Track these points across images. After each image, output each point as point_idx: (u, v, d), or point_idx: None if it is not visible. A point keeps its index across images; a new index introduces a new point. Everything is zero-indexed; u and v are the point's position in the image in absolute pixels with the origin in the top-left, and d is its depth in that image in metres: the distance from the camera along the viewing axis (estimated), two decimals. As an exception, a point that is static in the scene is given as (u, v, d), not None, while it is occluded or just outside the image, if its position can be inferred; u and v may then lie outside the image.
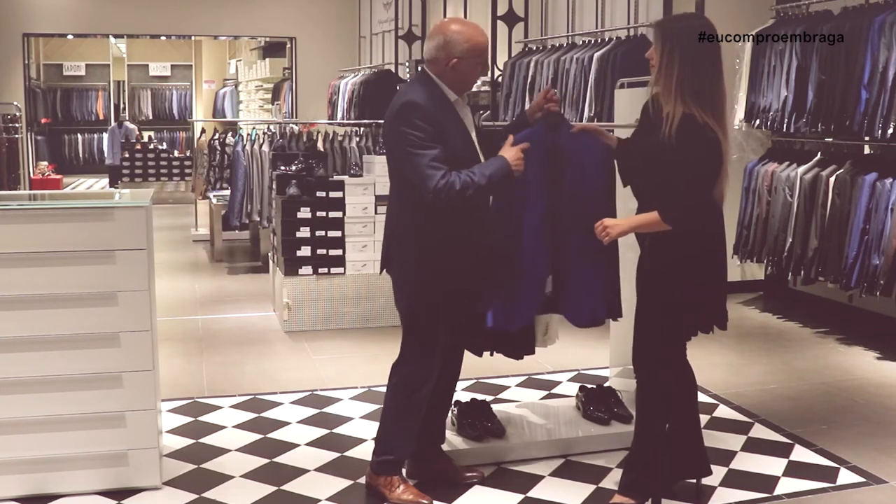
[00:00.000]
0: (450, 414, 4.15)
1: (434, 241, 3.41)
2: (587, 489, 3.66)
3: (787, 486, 3.75)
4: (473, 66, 3.42)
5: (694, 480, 3.58)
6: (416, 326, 3.50)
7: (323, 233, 6.34)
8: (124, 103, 21.21)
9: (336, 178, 6.51)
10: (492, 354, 3.91)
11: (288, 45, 14.28)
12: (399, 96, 3.46)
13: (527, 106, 7.52)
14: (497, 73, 8.14)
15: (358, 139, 8.61)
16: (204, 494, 3.63)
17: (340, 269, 6.33)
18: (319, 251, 6.34)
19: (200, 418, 4.50)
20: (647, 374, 3.36)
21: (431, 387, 3.54)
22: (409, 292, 3.49)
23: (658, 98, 3.26)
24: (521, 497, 3.62)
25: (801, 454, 4.09)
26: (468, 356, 3.81)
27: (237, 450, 4.10)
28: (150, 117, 21.35)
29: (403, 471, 3.64)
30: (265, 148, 8.48)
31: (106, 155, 17.76)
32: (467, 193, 3.28)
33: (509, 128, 3.76)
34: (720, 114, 3.16)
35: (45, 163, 14.87)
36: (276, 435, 4.28)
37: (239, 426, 4.39)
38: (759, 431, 4.37)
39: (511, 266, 3.60)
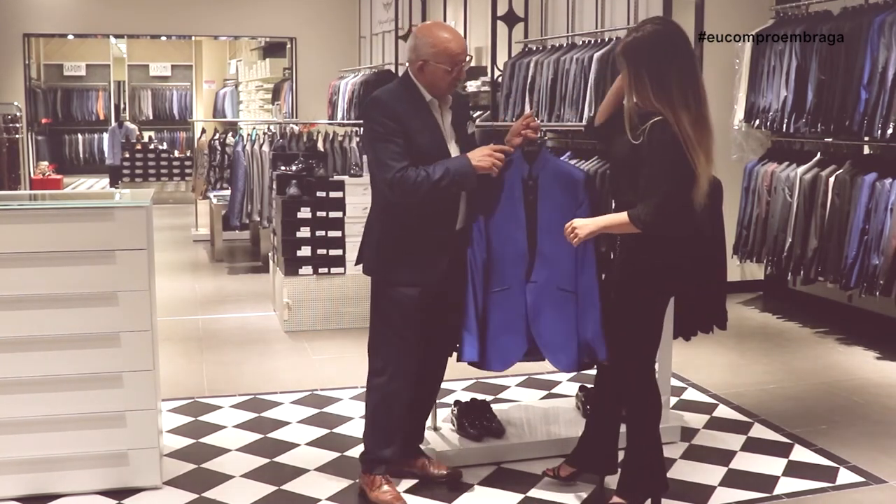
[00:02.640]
0: (450, 414, 4.17)
1: (404, 242, 3.42)
2: (587, 489, 3.66)
3: (786, 485, 3.75)
4: (441, 72, 3.38)
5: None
6: (384, 325, 3.50)
7: (323, 233, 6.35)
8: (125, 103, 21.20)
9: (336, 178, 6.51)
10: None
11: (288, 45, 14.27)
12: (373, 93, 3.51)
13: (526, 107, 7.54)
14: (497, 73, 8.14)
15: (358, 139, 8.61)
16: (204, 494, 3.64)
17: (340, 269, 6.34)
18: (319, 251, 6.34)
19: (200, 418, 4.50)
20: (632, 376, 3.36)
21: (404, 386, 3.54)
22: (379, 291, 3.51)
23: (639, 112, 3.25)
24: (520, 497, 3.62)
25: (800, 454, 4.09)
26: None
27: (237, 450, 4.10)
28: (151, 117, 21.34)
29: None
30: (265, 148, 8.49)
31: (106, 155, 17.77)
32: (421, 188, 3.29)
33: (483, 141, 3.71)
34: (701, 117, 3.12)
35: (46, 163, 14.86)
36: (276, 435, 4.29)
37: (239, 426, 4.40)
38: (759, 431, 4.37)
39: (493, 302, 3.52)
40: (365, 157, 3.51)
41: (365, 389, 3.61)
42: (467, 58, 3.45)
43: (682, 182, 3.11)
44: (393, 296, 3.46)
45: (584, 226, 3.23)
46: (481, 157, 3.38)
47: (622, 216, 3.17)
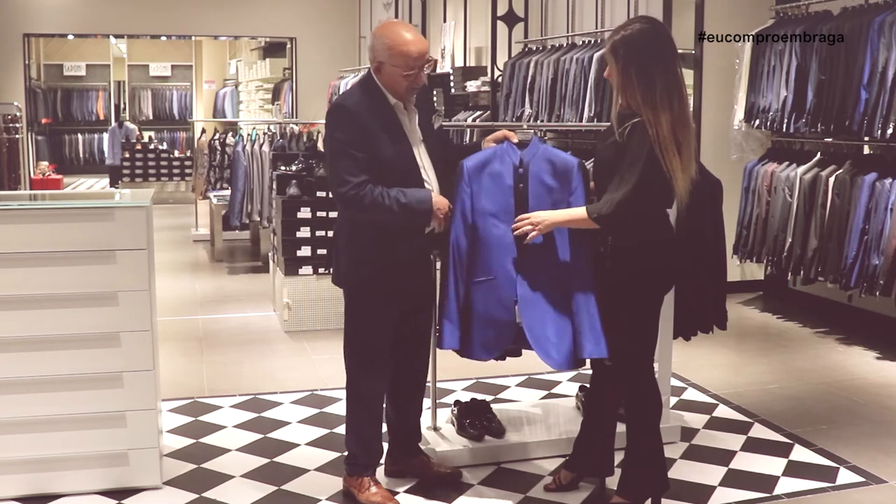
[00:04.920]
0: (450, 414, 4.17)
1: (375, 249, 3.37)
2: (587, 489, 3.66)
3: (786, 485, 3.75)
4: (397, 74, 3.29)
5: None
6: (359, 333, 3.48)
7: (323, 233, 6.34)
8: (125, 103, 21.22)
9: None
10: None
11: (288, 46, 14.28)
12: (337, 97, 3.44)
13: (527, 107, 7.54)
14: (497, 73, 8.15)
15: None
16: (204, 494, 3.64)
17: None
18: (320, 251, 6.34)
19: (200, 418, 4.50)
20: (631, 376, 3.36)
21: (383, 391, 3.54)
22: (352, 301, 3.49)
23: (621, 112, 3.24)
24: (520, 497, 3.62)
25: (800, 454, 4.09)
26: (457, 356, 3.81)
27: (237, 450, 4.10)
28: (151, 117, 21.36)
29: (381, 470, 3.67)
30: (265, 148, 8.49)
31: (106, 155, 17.79)
32: (374, 212, 3.26)
33: (465, 150, 3.61)
34: (683, 117, 3.14)
35: (46, 163, 14.87)
36: (276, 435, 4.29)
37: (239, 426, 4.40)
38: (759, 431, 4.37)
39: (477, 292, 3.42)
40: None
41: (346, 394, 3.60)
42: (428, 61, 3.35)
43: (651, 186, 3.10)
44: (366, 304, 3.44)
45: (543, 219, 3.22)
46: (440, 206, 3.34)
47: (580, 211, 3.18)
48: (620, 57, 3.18)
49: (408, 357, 3.65)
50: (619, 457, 3.56)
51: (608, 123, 3.47)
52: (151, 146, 16.52)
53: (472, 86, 8.63)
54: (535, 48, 8.12)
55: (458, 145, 4.52)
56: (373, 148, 3.27)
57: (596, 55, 6.70)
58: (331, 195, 3.23)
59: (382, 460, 3.71)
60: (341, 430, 4.30)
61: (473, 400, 4.17)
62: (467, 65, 9.24)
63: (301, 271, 6.30)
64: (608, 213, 3.12)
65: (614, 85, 3.25)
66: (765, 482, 3.78)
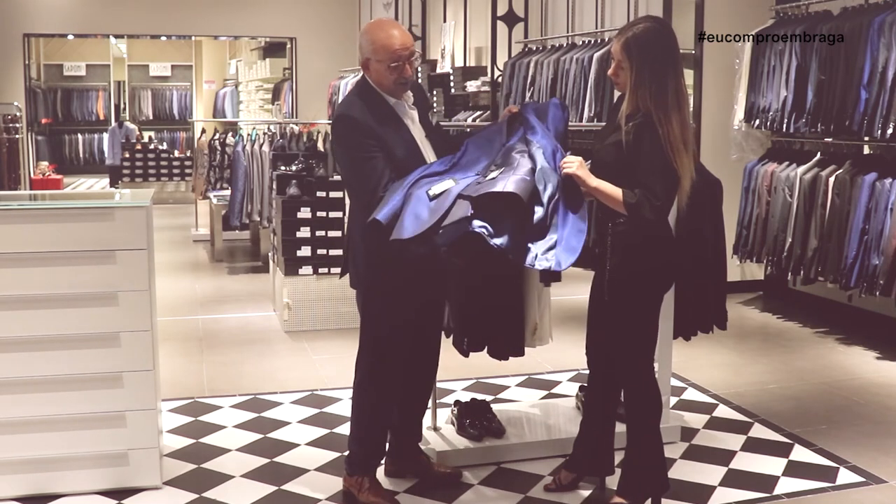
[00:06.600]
0: (450, 414, 4.17)
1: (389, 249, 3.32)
2: (587, 489, 3.66)
3: (786, 485, 3.75)
4: (385, 68, 3.28)
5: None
6: (374, 333, 3.48)
7: (323, 233, 6.35)
8: (125, 103, 21.22)
9: (336, 177, 6.52)
10: (470, 351, 3.93)
11: (288, 45, 14.28)
12: (338, 107, 3.41)
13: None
14: (497, 73, 8.15)
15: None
16: (204, 494, 3.64)
17: (340, 269, 6.33)
18: (319, 251, 6.35)
19: (200, 418, 4.51)
20: (630, 376, 3.36)
21: (393, 392, 3.53)
22: (368, 301, 3.49)
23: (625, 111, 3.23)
24: (520, 497, 3.62)
25: (800, 454, 4.09)
26: (458, 356, 3.81)
27: (237, 450, 4.10)
28: (151, 117, 21.36)
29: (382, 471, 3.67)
30: (265, 148, 8.49)
31: (106, 155, 17.79)
32: None
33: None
34: (687, 117, 3.16)
35: (46, 163, 14.87)
36: (276, 435, 4.29)
37: (239, 426, 4.40)
38: (759, 431, 4.37)
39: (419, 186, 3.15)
40: (340, 169, 3.45)
41: (354, 394, 3.60)
42: (414, 54, 3.33)
43: (673, 184, 3.13)
44: (382, 305, 3.44)
45: (579, 169, 3.10)
46: None
47: (616, 192, 3.11)
48: (635, 57, 3.15)
49: (420, 357, 3.65)
50: (619, 457, 3.56)
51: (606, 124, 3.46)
52: (151, 146, 16.53)
53: (472, 86, 8.63)
54: (535, 48, 8.12)
55: (458, 134, 4.49)
56: (385, 150, 3.27)
57: (596, 55, 6.70)
58: (348, 199, 3.15)
59: (382, 460, 3.71)
60: (341, 430, 4.31)
61: (473, 400, 4.17)
62: (467, 65, 9.23)
63: (301, 271, 6.31)
64: (651, 218, 3.09)
65: (625, 84, 3.21)
66: (765, 482, 3.78)
